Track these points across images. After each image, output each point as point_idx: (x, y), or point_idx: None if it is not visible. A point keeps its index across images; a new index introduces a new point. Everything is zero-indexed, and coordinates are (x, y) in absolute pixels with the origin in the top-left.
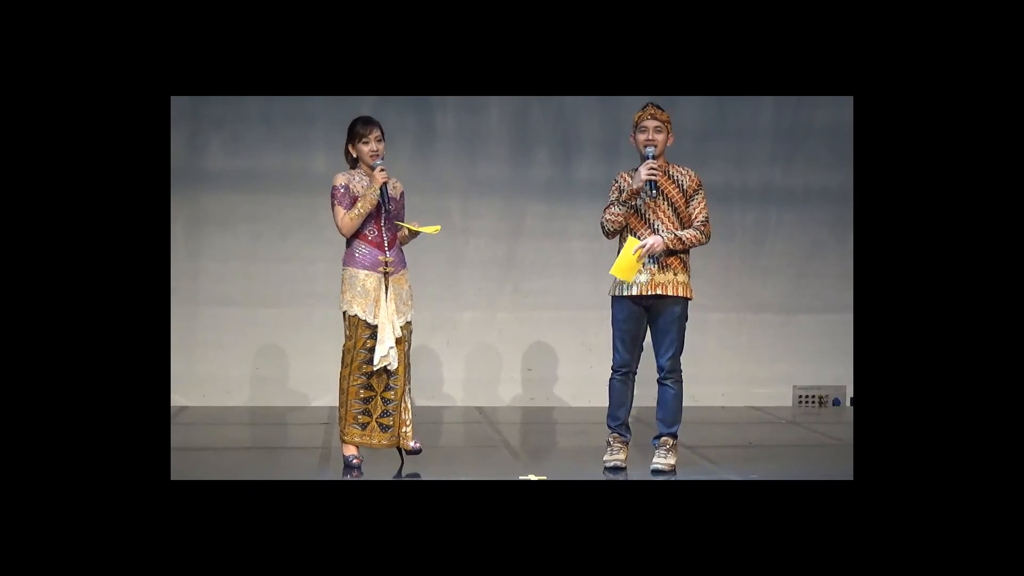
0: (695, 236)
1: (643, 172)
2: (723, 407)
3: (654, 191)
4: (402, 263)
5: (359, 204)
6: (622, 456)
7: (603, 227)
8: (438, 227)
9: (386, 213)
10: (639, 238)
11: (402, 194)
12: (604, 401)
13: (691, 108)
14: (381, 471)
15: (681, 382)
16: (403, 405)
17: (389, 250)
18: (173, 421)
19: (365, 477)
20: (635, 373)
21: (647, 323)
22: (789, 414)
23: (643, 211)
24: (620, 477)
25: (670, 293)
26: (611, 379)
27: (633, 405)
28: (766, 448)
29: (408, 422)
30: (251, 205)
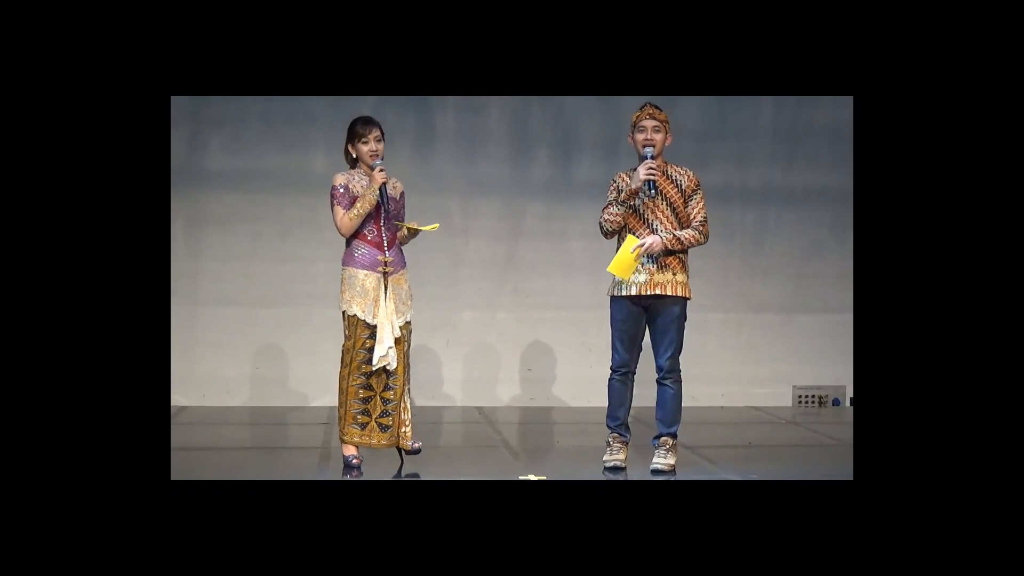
0: (693, 236)
1: (642, 172)
2: (723, 407)
3: (653, 191)
4: (401, 263)
5: (358, 204)
6: (622, 456)
7: (601, 227)
8: (436, 225)
9: (385, 213)
10: (638, 237)
11: (402, 194)
12: (604, 401)
13: (691, 108)
14: (381, 471)
15: (680, 382)
16: (403, 405)
17: (388, 250)
18: (173, 421)
19: (365, 477)
20: (634, 373)
21: (646, 323)
22: (789, 414)
23: (642, 211)
24: (620, 477)
25: (669, 293)
26: (610, 379)
27: (632, 405)
28: (766, 448)
29: (408, 422)
30: (251, 205)
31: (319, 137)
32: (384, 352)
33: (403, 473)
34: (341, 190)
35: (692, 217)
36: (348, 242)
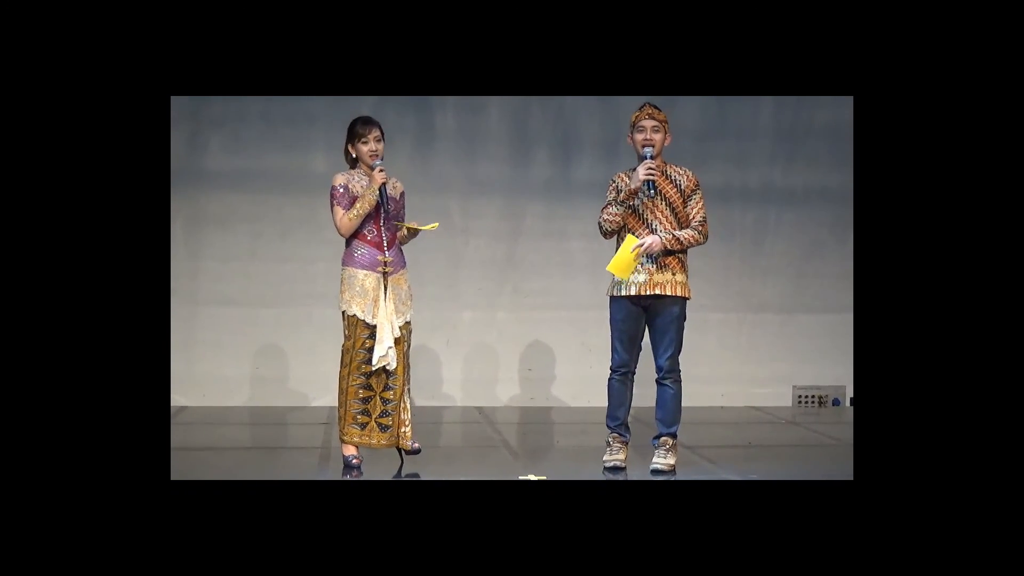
0: (693, 236)
1: (641, 172)
2: (723, 407)
3: (652, 191)
4: (401, 263)
5: (358, 204)
6: (622, 456)
7: (601, 227)
8: (436, 224)
9: (385, 213)
10: (637, 237)
11: (402, 194)
12: (603, 401)
13: (691, 108)
14: (381, 471)
15: (680, 382)
16: (402, 405)
17: (388, 250)
18: (173, 421)
19: (365, 477)
20: (634, 373)
21: (646, 323)
22: (789, 414)
23: (641, 211)
24: (620, 477)
25: (668, 293)
26: (610, 379)
27: (632, 405)
28: (766, 448)
29: (408, 422)
30: (251, 205)
31: (319, 137)
32: (384, 352)
33: (403, 473)
34: (341, 190)
35: (691, 217)
36: (348, 242)
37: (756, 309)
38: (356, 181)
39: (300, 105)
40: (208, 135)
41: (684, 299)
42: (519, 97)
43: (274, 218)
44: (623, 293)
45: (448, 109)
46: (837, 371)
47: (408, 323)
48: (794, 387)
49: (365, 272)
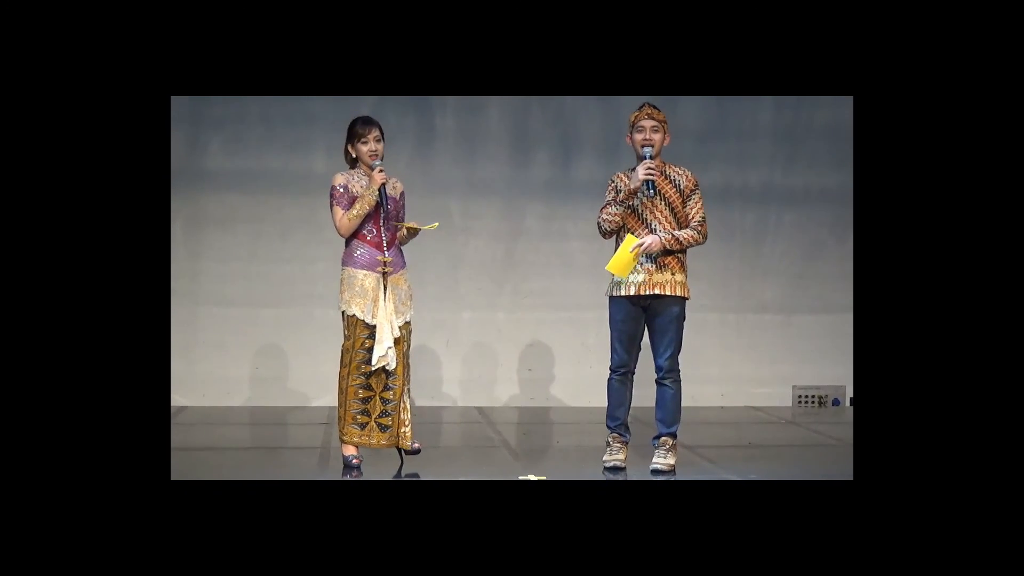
0: (692, 236)
1: (641, 172)
2: (722, 407)
3: (652, 191)
4: (401, 263)
5: (357, 205)
6: (621, 456)
7: (600, 227)
8: (436, 224)
9: (384, 213)
10: (637, 237)
11: (402, 194)
12: (603, 401)
13: (691, 108)
14: (381, 471)
15: (679, 382)
16: (402, 405)
17: (388, 250)
18: (173, 421)
19: (365, 477)
20: (633, 373)
21: (645, 323)
22: (789, 414)
23: (640, 211)
24: (620, 477)
25: (668, 293)
26: (609, 379)
27: (632, 405)
28: (766, 448)
29: (407, 422)
30: (251, 205)
31: (319, 137)
32: (383, 352)
33: (403, 473)
34: (340, 190)
35: (690, 217)
36: (348, 242)
37: (756, 309)
38: (356, 181)
39: (300, 105)
40: (208, 135)
41: (683, 299)
42: (519, 97)
43: (274, 218)
44: (622, 293)
45: (448, 109)
46: (837, 371)
47: (408, 323)
48: (794, 387)
49: (365, 272)
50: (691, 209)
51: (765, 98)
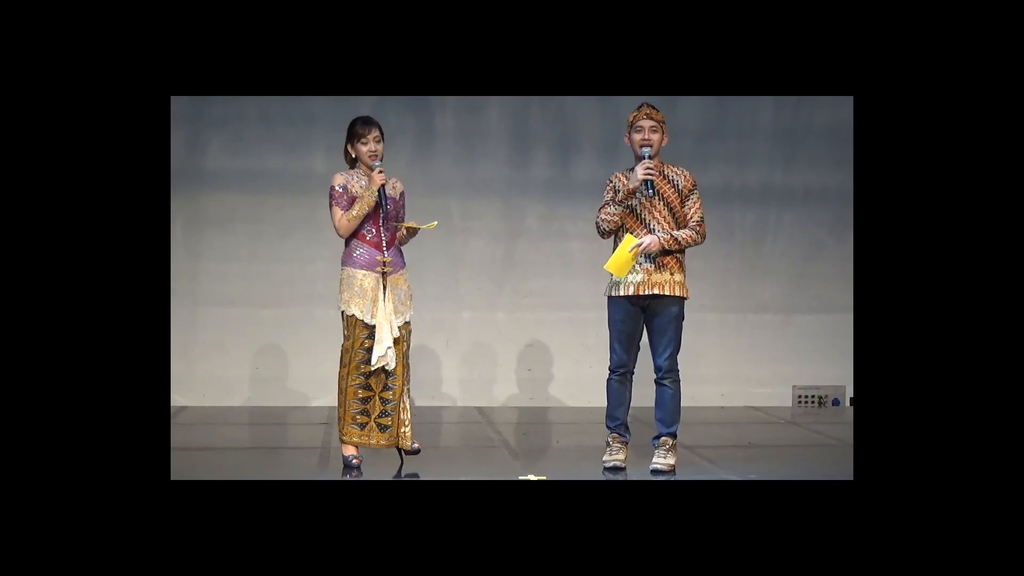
0: (691, 236)
1: (640, 172)
2: (722, 407)
3: (651, 191)
4: (400, 263)
5: (357, 205)
6: (621, 456)
7: (598, 227)
8: (435, 223)
9: (384, 214)
10: (636, 237)
11: (402, 194)
12: (602, 401)
13: (691, 108)
14: (380, 471)
15: (679, 382)
16: (402, 405)
17: (387, 250)
18: (173, 421)
19: (364, 477)
20: (633, 373)
21: (644, 323)
22: (788, 414)
23: (639, 211)
24: (619, 477)
25: (667, 293)
26: (609, 379)
27: (632, 405)
28: (765, 448)
29: (407, 422)
30: (251, 205)
31: (319, 138)
32: (383, 352)
33: (403, 473)
34: (339, 190)
35: (689, 217)
36: (347, 242)
37: (756, 309)
38: (355, 181)
39: (300, 105)
40: (208, 135)
41: (682, 299)
42: (519, 97)
43: (274, 218)
44: (621, 293)
45: (448, 109)
46: (837, 371)
47: (408, 323)
48: (794, 387)
49: (364, 272)
50: (689, 209)
51: (765, 98)
